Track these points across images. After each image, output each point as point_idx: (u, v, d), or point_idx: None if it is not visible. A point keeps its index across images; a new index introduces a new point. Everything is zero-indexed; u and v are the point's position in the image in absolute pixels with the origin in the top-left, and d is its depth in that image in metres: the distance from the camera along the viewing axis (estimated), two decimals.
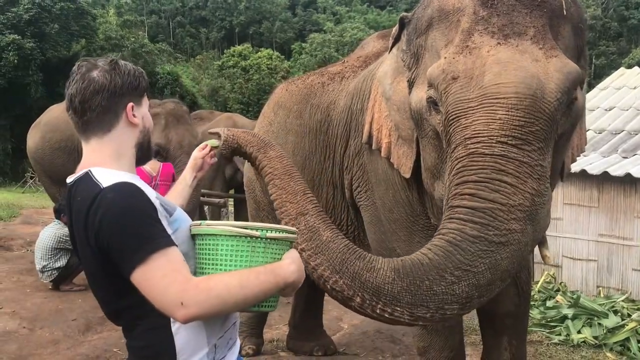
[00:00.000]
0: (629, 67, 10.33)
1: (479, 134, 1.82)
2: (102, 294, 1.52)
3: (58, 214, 6.40)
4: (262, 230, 1.47)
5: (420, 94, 2.17)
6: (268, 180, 1.85)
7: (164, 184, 5.23)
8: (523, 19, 1.95)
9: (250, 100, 41.04)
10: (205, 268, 1.49)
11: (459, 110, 1.89)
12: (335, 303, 5.72)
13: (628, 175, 6.03)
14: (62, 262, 6.08)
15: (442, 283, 1.71)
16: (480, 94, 1.86)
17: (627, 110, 7.75)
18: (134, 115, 1.54)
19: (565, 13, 2.03)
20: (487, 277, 1.73)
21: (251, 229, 1.46)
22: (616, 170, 6.17)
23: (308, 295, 4.43)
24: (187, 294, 1.32)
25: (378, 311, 1.73)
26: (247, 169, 4.01)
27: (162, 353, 1.45)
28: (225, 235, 1.46)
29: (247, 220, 4.09)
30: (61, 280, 6.14)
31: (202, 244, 1.51)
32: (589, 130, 7.72)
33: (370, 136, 2.69)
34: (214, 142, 2.01)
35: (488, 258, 1.72)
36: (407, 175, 2.44)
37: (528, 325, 3.08)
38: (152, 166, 5.33)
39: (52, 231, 6.17)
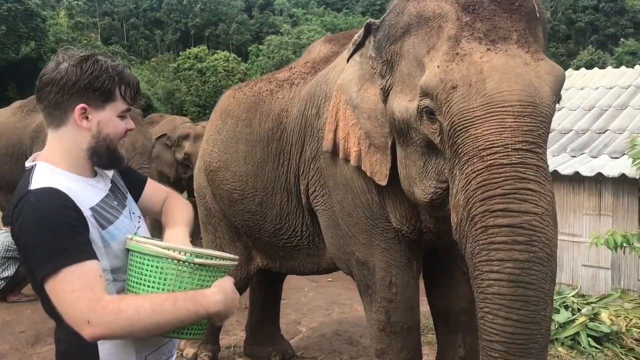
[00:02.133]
0: (577, 68, 10.65)
1: (493, 144, 1.81)
2: (38, 295, 1.46)
3: (5, 221, 6.17)
4: (190, 254, 1.41)
5: (403, 103, 2.14)
6: None
7: None
8: (505, 23, 1.96)
9: (207, 102, 40.53)
10: (132, 285, 1.44)
11: (465, 120, 1.87)
12: (293, 306, 5.74)
13: (577, 173, 6.21)
14: (9, 272, 5.87)
15: (542, 326, 1.79)
16: (485, 103, 1.85)
17: (575, 110, 7.99)
18: (85, 118, 1.46)
19: (538, 15, 2.07)
20: (552, 289, 1.82)
21: (179, 252, 1.40)
22: (565, 169, 6.34)
23: (265, 300, 4.41)
24: (95, 312, 1.28)
25: None
26: (197, 173, 3.94)
27: None
28: (151, 255, 1.41)
29: (197, 226, 4.02)
30: (9, 291, 5.92)
31: (132, 260, 1.46)
32: None
33: (335, 144, 2.66)
34: None
35: (547, 275, 1.78)
36: (384, 183, 2.42)
37: None
38: None
39: (0, 239, 5.95)
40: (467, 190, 1.86)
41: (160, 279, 1.40)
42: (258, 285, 4.32)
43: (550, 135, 7.52)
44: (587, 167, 6.27)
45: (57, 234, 1.32)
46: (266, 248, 3.58)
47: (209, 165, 3.63)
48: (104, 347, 1.42)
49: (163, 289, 1.40)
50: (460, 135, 1.89)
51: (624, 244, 5.06)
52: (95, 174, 1.58)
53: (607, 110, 7.69)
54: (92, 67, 1.45)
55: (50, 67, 1.47)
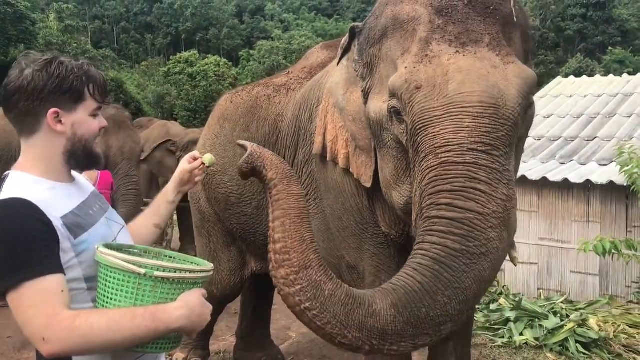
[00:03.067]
0: (566, 76, 10.75)
1: (449, 142, 1.82)
2: None
3: None
4: (150, 268, 1.36)
5: (378, 104, 2.17)
6: (278, 216, 1.65)
7: (103, 192, 5.08)
8: (478, 26, 1.97)
9: (197, 107, 40.48)
10: (100, 298, 1.41)
11: (425, 119, 1.88)
12: (283, 312, 5.73)
13: (565, 180, 6.26)
14: None
15: (437, 307, 1.69)
16: (445, 103, 1.86)
17: (564, 117, 8.06)
18: (59, 122, 1.44)
19: (515, 20, 2.07)
20: (473, 290, 1.73)
21: (138, 265, 1.36)
22: (554, 176, 6.39)
23: (255, 305, 4.40)
24: (50, 329, 1.26)
25: (386, 351, 1.69)
26: None
27: None
28: (113, 268, 1.37)
29: (191, 231, 4.01)
30: None
31: (100, 272, 1.43)
32: (528, 137, 7.97)
33: (324, 147, 2.68)
34: (208, 157, 1.90)
35: (473, 272, 1.72)
36: (368, 185, 2.43)
37: (472, 329, 3.14)
38: (90, 175, 5.15)
39: None
40: (420, 185, 1.87)
41: (122, 292, 1.37)
42: (249, 291, 4.31)
43: (540, 142, 7.60)
44: (575, 174, 6.32)
45: (21, 247, 1.29)
46: (261, 252, 3.58)
47: (205, 169, 3.62)
48: (79, 358, 1.38)
49: (125, 303, 1.36)
50: (420, 134, 1.90)
51: (612, 250, 5.10)
52: (73, 179, 1.56)
53: (595, 117, 7.76)
54: (57, 69, 1.41)
55: (14, 75, 1.42)
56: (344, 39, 2.53)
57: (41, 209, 1.35)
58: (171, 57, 52.23)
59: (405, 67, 1.97)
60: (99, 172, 5.25)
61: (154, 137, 8.44)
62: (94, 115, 1.50)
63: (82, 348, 1.30)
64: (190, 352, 4.06)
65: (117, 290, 1.37)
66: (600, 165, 6.54)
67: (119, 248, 1.50)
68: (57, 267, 1.33)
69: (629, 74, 9.55)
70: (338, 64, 2.58)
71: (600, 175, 6.15)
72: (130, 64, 56.40)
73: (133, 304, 1.36)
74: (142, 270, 1.35)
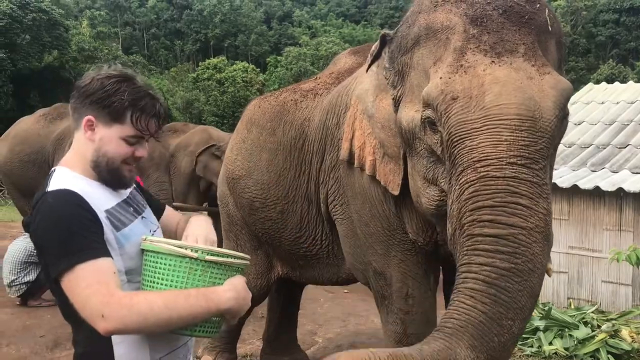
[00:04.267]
0: (597, 82, 10.59)
1: (487, 156, 1.80)
2: (54, 296, 1.51)
3: (27, 227, 6.25)
4: (201, 252, 1.45)
5: (410, 113, 2.16)
6: None
7: None
8: (513, 36, 1.95)
9: (225, 113, 40.90)
10: (146, 284, 1.48)
11: (462, 131, 1.87)
12: (309, 317, 5.74)
13: (597, 188, 6.16)
14: (31, 277, 5.95)
15: (505, 332, 1.69)
16: (482, 115, 1.84)
17: (596, 124, 7.93)
18: (91, 130, 1.52)
19: (550, 29, 2.05)
20: (529, 307, 1.75)
21: (191, 250, 1.44)
22: (585, 184, 6.29)
23: (282, 309, 4.41)
24: (109, 307, 1.32)
25: None
26: (220, 182, 3.98)
27: None
28: (164, 254, 1.45)
29: (220, 234, 4.05)
30: (29, 296, 6.00)
31: (146, 260, 1.50)
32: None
33: (351, 153, 2.69)
34: None
35: (525, 289, 1.72)
36: (396, 193, 2.43)
37: None
38: None
39: (22, 244, 6.02)
40: (459, 200, 1.85)
41: (173, 276, 1.44)
42: (277, 294, 4.33)
43: (571, 149, 7.49)
44: (607, 181, 6.21)
45: (72, 233, 1.37)
46: (286, 256, 3.60)
47: (231, 174, 3.66)
48: (119, 349, 1.45)
49: (176, 287, 1.43)
50: (457, 147, 1.88)
51: None
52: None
53: (628, 125, 7.62)
54: (111, 85, 1.49)
55: (87, 74, 1.56)
56: (375, 46, 2.53)
57: (87, 200, 1.44)
58: (200, 63, 52.86)
59: (440, 77, 1.95)
60: None
61: (195, 142, 8.49)
62: (128, 140, 1.54)
63: (139, 325, 1.36)
64: (217, 354, 4.08)
65: (168, 274, 1.44)
66: (633, 173, 6.42)
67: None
68: (106, 252, 1.42)
69: None
70: (367, 70, 2.58)
71: (633, 183, 6.04)
72: (160, 70, 57.20)
73: (184, 287, 1.43)
74: (195, 254, 1.44)
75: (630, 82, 9.58)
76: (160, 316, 1.35)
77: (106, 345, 1.44)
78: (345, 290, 6.85)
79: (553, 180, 7.24)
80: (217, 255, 1.47)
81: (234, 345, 4.27)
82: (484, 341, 1.66)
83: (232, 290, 1.44)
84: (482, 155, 1.81)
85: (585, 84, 10.23)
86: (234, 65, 47.55)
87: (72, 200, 1.42)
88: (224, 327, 1.61)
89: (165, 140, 6.74)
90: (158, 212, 1.83)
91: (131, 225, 1.54)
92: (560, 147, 7.54)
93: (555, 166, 7.50)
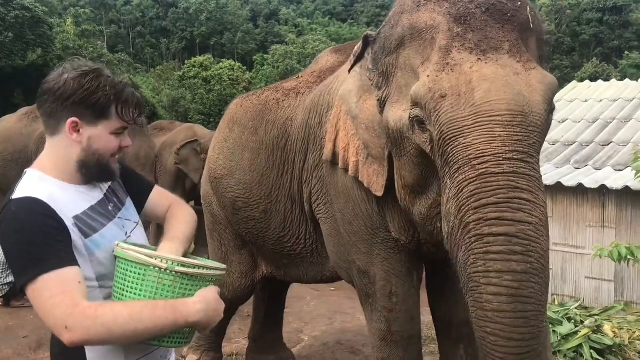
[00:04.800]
0: (581, 80, 10.69)
1: (483, 153, 1.81)
2: None
3: None
4: (171, 262, 1.42)
5: (398, 113, 2.16)
6: None
7: None
8: (497, 33, 1.97)
9: (212, 111, 40.65)
10: (117, 292, 1.45)
11: (454, 129, 1.88)
12: (295, 315, 5.74)
13: (580, 185, 6.21)
14: (13, 278, 5.86)
15: (540, 336, 1.78)
16: (473, 112, 1.85)
17: (579, 122, 8.00)
18: (76, 132, 1.49)
19: (532, 26, 2.07)
20: (546, 299, 1.81)
21: (161, 260, 1.41)
22: (569, 181, 6.34)
23: (268, 308, 4.41)
24: (73, 318, 1.30)
25: None
26: (203, 181, 3.97)
27: None
28: (134, 262, 1.42)
29: (204, 233, 4.04)
30: (12, 296, 5.93)
31: (118, 267, 1.47)
32: None
33: (335, 154, 2.69)
34: None
35: (543, 287, 1.77)
36: (380, 194, 2.44)
37: None
38: None
39: None
40: (459, 198, 1.85)
41: (142, 286, 1.41)
42: (262, 293, 4.33)
43: (554, 147, 7.54)
44: (590, 179, 6.27)
45: (36, 243, 1.34)
46: (271, 256, 3.59)
47: (213, 173, 3.65)
48: (91, 352, 1.45)
49: (145, 296, 1.41)
50: (450, 144, 1.89)
51: (628, 256, 5.05)
52: (87, 181, 1.59)
53: (611, 122, 7.69)
54: (90, 82, 1.46)
55: (53, 76, 1.49)
56: (357, 47, 2.52)
57: (53, 208, 1.40)
58: (186, 62, 52.51)
59: (428, 76, 1.96)
60: None
61: (180, 140, 8.48)
62: (116, 133, 1.55)
63: (104, 337, 1.33)
64: (203, 353, 4.08)
65: (136, 284, 1.41)
66: (616, 170, 6.48)
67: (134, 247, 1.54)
68: (72, 260, 1.39)
69: None
70: (350, 71, 2.58)
71: (616, 180, 6.10)
72: (146, 68, 56.79)
73: (152, 297, 1.40)
74: (164, 265, 1.41)
75: (613, 81, 9.67)
76: (125, 328, 1.33)
77: (79, 348, 1.42)
78: (332, 289, 6.86)
79: None
80: (188, 267, 1.44)
81: (220, 344, 4.27)
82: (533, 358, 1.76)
83: (202, 303, 1.41)
84: (478, 152, 1.82)
85: (570, 82, 10.31)
86: (220, 64, 47.27)
87: (36, 209, 1.38)
88: (196, 335, 1.58)
89: (152, 140, 6.71)
90: (143, 194, 1.79)
91: (103, 230, 1.51)
92: (545, 145, 7.57)
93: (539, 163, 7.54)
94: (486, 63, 1.91)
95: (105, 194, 1.62)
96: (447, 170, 1.92)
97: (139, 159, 6.10)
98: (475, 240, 1.80)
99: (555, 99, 7.03)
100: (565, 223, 6.54)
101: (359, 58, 2.52)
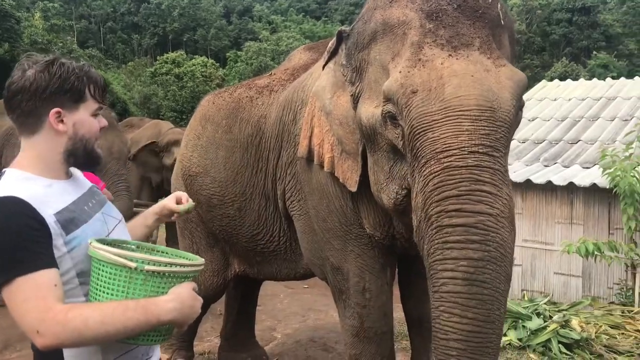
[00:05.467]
0: (551, 79, 10.87)
1: (449, 146, 1.83)
2: None
3: None
4: (140, 261, 1.39)
5: (370, 109, 2.17)
6: None
7: None
8: (468, 30, 1.99)
9: (184, 108, 40.29)
10: (92, 291, 1.44)
11: (424, 123, 1.90)
12: (268, 313, 5.73)
13: (549, 182, 6.32)
14: None
15: (497, 323, 1.79)
16: (443, 107, 1.87)
17: (549, 120, 8.14)
18: (60, 122, 1.48)
19: (503, 22, 2.10)
20: (507, 290, 1.82)
21: (129, 259, 1.39)
22: (538, 178, 6.45)
23: (240, 306, 4.39)
24: (44, 323, 1.30)
25: None
26: (174, 179, 3.92)
27: None
28: (104, 262, 1.40)
29: (176, 232, 4.00)
30: None
31: (92, 266, 1.44)
32: (513, 139, 8.04)
33: (310, 151, 2.69)
34: (185, 207, 1.91)
35: (502, 275, 1.78)
36: (354, 189, 2.45)
37: None
38: None
39: None
40: (424, 192, 1.88)
41: (113, 285, 1.39)
42: (234, 291, 4.30)
43: (524, 145, 7.66)
44: (559, 176, 6.38)
45: (13, 244, 1.32)
46: (244, 253, 3.58)
47: (187, 171, 3.61)
48: (68, 350, 1.43)
49: (117, 297, 1.39)
50: (419, 139, 1.91)
51: (595, 252, 5.16)
52: (70, 176, 1.59)
53: (579, 121, 7.85)
54: (59, 70, 1.45)
55: (16, 76, 1.45)
56: (331, 42, 2.53)
57: (33, 207, 1.38)
58: (158, 58, 51.94)
59: (400, 72, 1.98)
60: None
61: (147, 137, 8.39)
62: (94, 115, 1.55)
63: (75, 340, 1.33)
64: (174, 352, 4.04)
65: (109, 283, 1.39)
66: (584, 168, 6.61)
67: (113, 243, 1.51)
68: (49, 262, 1.37)
69: (613, 78, 9.66)
70: (324, 67, 2.58)
71: (584, 177, 6.22)
72: (117, 64, 56.03)
73: (125, 297, 1.39)
74: (133, 264, 1.38)
75: (582, 80, 9.87)
76: (97, 331, 1.32)
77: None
78: (305, 286, 6.86)
79: None
80: (158, 265, 1.42)
81: (191, 343, 4.23)
82: (477, 346, 1.76)
83: (175, 301, 1.39)
84: (445, 145, 1.84)
85: (540, 81, 10.48)
86: (193, 60, 46.89)
87: (15, 209, 1.36)
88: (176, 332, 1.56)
89: (124, 135, 6.62)
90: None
91: (84, 226, 1.49)
92: (514, 143, 7.70)
93: (509, 161, 7.66)
94: (457, 59, 1.93)
95: (86, 191, 1.62)
96: (416, 165, 1.95)
97: (112, 153, 6.00)
98: (436, 232, 1.83)
99: (525, 98, 7.12)
100: (534, 220, 6.64)
101: (333, 54, 2.52)
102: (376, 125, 2.14)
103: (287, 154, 2.98)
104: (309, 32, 64.78)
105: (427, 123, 1.89)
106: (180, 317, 1.40)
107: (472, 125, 1.84)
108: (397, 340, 4.73)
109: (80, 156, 1.54)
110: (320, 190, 2.73)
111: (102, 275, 1.40)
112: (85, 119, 1.52)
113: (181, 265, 1.48)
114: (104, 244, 1.45)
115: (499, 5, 2.10)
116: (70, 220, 1.45)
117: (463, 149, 1.82)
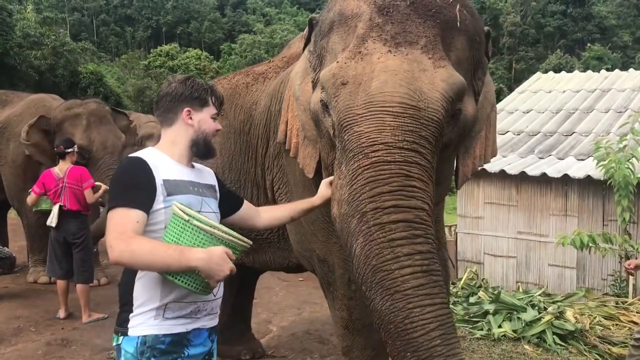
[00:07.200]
0: (546, 72, 10.88)
1: (375, 141, 1.83)
2: None
3: None
4: (192, 217, 1.75)
5: (315, 95, 2.20)
6: None
7: (72, 186, 4.99)
8: (416, 28, 1.98)
9: None
10: (163, 235, 1.81)
11: (349, 117, 1.90)
12: (264, 306, 5.73)
13: (544, 174, 6.34)
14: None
15: (446, 304, 1.83)
16: (367, 101, 1.88)
17: (543, 112, 8.16)
18: (190, 118, 1.98)
19: (459, 25, 2.06)
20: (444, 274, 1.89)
21: (185, 213, 1.75)
22: (533, 170, 6.47)
23: (235, 299, 4.38)
24: (116, 241, 1.73)
25: None
26: None
27: (126, 295, 1.89)
28: (174, 214, 1.79)
29: None
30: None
31: (170, 218, 1.83)
32: (508, 132, 8.05)
33: (286, 136, 2.70)
34: None
35: (441, 263, 1.85)
36: (311, 176, 2.46)
37: None
38: (61, 168, 5.09)
39: None
40: (352, 185, 1.86)
41: (172, 232, 1.77)
42: (230, 284, 4.29)
43: (519, 137, 7.67)
44: (554, 168, 6.40)
45: (128, 183, 1.85)
46: None
47: None
48: (138, 284, 1.86)
49: (171, 240, 1.76)
50: (346, 132, 1.92)
51: (589, 244, 5.18)
52: (192, 166, 2.04)
53: (573, 113, 7.86)
54: (192, 83, 2.01)
55: (165, 85, 2.03)
56: (306, 30, 2.55)
57: (151, 168, 1.87)
58: (152, 51, 51.81)
59: (337, 62, 2.00)
60: (71, 166, 5.15)
61: (29, 115, 7.28)
62: (213, 118, 2.04)
63: (130, 261, 1.74)
64: None
65: (170, 230, 1.78)
66: (578, 159, 6.63)
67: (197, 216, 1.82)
68: (142, 206, 1.81)
69: (607, 70, 9.69)
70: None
71: (578, 169, 6.24)
72: (110, 57, 55.79)
73: (176, 242, 1.75)
74: (186, 217, 1.74)
75: (576, 72, 9.89)
76: (144, 257, 1.72)
77: (130, 284, 1.87)
78: (300, 279, 6.86)
79: (502, 167, 7.41)
80: (204, 224, 1.75)
81: None
82: (451, 324, 1.82)
83: (205, 253, 1.71)
84: (370, 140, 1.84)
85: (534, 73, 10.49)
86: (187, 53, 46.79)
87: (136, 163, 1.88)
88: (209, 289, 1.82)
89: (117, 129, 6.59)
90: (236, 206, 2.22)
91: (182, 196, 1.88)
92: (509, 135, 7.71)
93: (504, 153, 7.67)
94: (394, 55, 1.93)
95: (200, 182, 2.02)
96: (343, 157, 1.95)
97: (105, 148, 5.99)
98: (376, 230, 1.80)
99: (519, 90, 7.22)
100: (529, 212, 6.67)
101: (308, 41, 2.53)
102: (318, 112, 2.17)
103: (275, 145, 2.99)
104: (303, 24, 64.43)
105: (352, 117, 1.90)
106: (206, 268, 1.70)
107: (394, 122, 1.84)
108: None
109: (201, 146, 2.01)
110: (303, 182, 2.73)
111: (170, 224, 1.79)
112: (206, 119, 2.01)
113: (223, 232, 1.78)
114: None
115: (458, 6, 2.07)
116: (173, 187, 1.89)
117: (388, 144, 1.82)
